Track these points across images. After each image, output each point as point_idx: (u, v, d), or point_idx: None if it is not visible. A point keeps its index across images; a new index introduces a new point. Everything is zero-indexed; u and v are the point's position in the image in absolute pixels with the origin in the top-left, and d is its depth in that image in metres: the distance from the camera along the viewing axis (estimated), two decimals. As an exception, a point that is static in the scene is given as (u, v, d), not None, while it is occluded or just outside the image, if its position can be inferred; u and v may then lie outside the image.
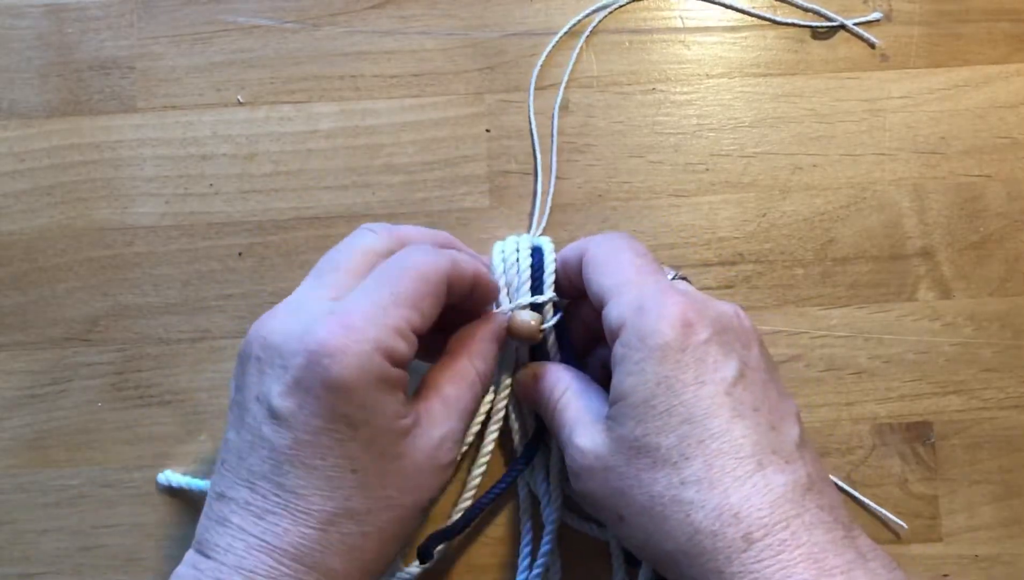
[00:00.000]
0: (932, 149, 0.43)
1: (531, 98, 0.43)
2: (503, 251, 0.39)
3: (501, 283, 0.38)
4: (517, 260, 0.39)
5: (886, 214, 0.43)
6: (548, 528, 0.40)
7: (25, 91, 0.44)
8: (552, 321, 0.38)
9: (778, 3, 0.44)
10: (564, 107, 0.43)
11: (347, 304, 0.31)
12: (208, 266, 0.43)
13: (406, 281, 0.32)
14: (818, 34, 0.44)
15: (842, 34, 0.44)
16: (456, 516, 0.38)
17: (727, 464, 0.29)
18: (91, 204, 0.43)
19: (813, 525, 0.28)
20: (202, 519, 0.32)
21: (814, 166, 0.43)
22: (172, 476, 0.41)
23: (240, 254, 0.43)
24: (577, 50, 0.43)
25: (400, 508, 0.31)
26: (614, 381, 0.32)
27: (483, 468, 0.39)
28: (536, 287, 0.38)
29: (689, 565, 0.29)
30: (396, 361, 0.31)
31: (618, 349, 0.32)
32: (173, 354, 0.42)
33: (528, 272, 0.38)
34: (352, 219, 0.42)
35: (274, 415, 0.30)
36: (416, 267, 0.33)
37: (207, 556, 0.30)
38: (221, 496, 0.31)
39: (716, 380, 0.30)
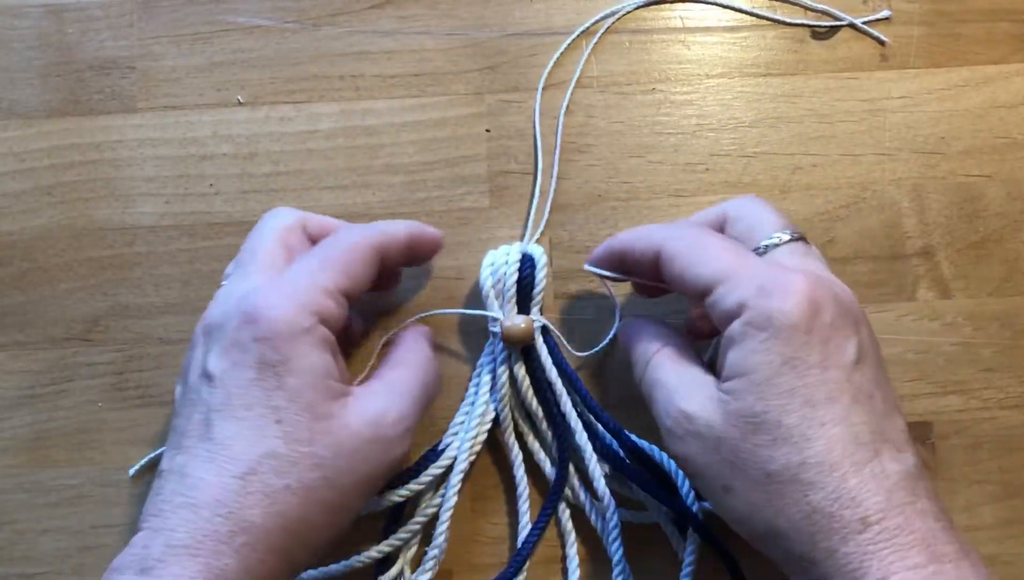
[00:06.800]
0: (932, 149, 0.43)
1: (537, 103, 0.43)
2: (492, 263, 0.39)
3: (491, 296, 0.39)
4: (505, 273, 0.39)
5: (886, 214, 0.43)
6: (615, 551, 0.39)
7: (25, 91, 0.44)
8: (540, 322, 0.39)
9: (781, 3, 0.44)
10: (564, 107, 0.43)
11: (282, 275, 0.34)
12: (208, 266, 0.42)
13: (335, 251, 0.35)
14: (818, 34, 0.44)
15: (842, 34, 0.44)
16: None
17: (847, 449, 0.30)
18: (91, 204, 0.43)
19: (925, 513, 0.29)
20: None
21: (814, 166, 0.43)
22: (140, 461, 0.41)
23: (240, 254, 0.43)
24: (586, 54, 0.43)
25: (332, 470, 0.31)
26: (732, 357, 0.32)
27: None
28: (525, 296, 0.39)
29: (801, 542, 0.30)
30: (324, 318, 0.33)
31: (738, 327, 0.32)
32: (173, 354, 0.42)
33: (514, 287, 0.39)
34: (352, 219, 0.42)
35: (209, 377, 0.32)
36: (346, 239, 0.36)
37: (140, 529, 0.31)
38: (159, 473, 0.32)
39: (840, 364, 0.31)
